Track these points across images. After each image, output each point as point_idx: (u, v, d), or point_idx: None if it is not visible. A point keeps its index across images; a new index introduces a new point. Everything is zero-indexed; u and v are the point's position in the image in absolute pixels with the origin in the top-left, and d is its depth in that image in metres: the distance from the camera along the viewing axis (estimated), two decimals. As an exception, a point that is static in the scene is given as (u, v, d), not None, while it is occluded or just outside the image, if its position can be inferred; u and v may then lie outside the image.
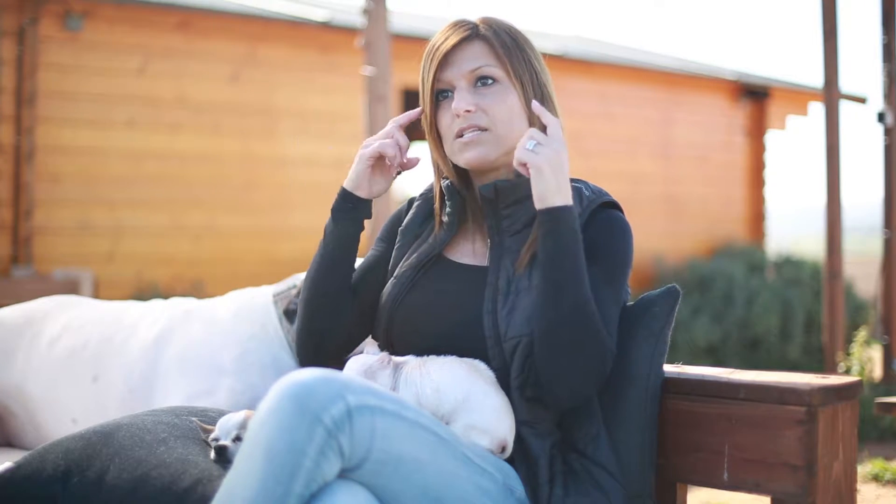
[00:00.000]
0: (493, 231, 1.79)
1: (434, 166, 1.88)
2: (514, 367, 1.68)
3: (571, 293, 1.63)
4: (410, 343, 1.76)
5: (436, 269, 1.82)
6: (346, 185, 1.85)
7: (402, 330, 1.79)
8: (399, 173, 1.88)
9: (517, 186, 1.77)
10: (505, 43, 1.78)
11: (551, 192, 1.65)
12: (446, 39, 1.78)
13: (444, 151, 1.83)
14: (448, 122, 1.79)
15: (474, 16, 1.84)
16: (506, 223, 1.78)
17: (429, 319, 1.76)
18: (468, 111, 1.75)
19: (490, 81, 1.77)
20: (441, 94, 1.80)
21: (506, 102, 1.76)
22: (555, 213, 1.65)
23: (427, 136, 1.85)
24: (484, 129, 1.75)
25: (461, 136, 1.77)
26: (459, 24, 1.80)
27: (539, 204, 1.67)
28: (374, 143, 1.82)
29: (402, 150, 1.83)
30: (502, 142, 1.76)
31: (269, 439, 1.40)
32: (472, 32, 1.79)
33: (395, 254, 1.89)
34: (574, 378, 1.64)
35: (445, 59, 1.78)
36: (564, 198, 1.66)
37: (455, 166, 1.83)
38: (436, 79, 1.78)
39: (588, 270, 1.70)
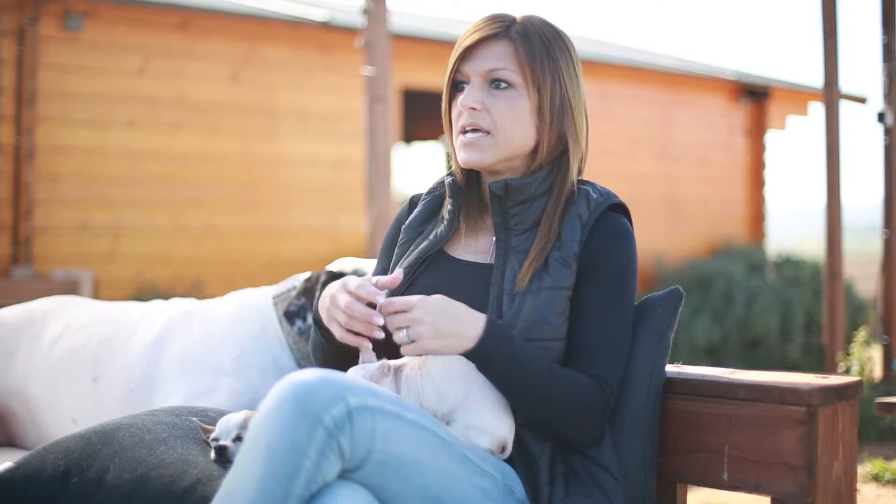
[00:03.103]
0: (500, 228, 1.78)
1: (446, 157, 1.88)
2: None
3: (531, 396, 1.63)
4: None
5: (436, 265, 1.81)
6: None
7: None
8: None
9: (528, 185, 1.76)
10: (532, 49, 1.75)
11: (454, 346, 1.61)
12: (474, 32, 1.77)
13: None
14: (457, 113, 1.79)
15: (517, 12, 1.81)
16: (513, 221, 1.77)
17: None
18: (473, 108, 1.74)
19: (504, 85, 1.75)
20: (458, 86, 1.80)
21: (514, 108, 1.74)
22: (474, 355, 1.62)
23: (444, 125, 1.85)
24: (485, 132, 1.74)
25: (464, 133, 1.77)
26: (494, 19, 1.78)
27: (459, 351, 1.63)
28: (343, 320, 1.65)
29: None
30: (501, 147, 1.75)
31: (270, 439, 1.40)
32: (500, 31, 1.76)
33: (398, 250, 1.88)
34: (574, 439, 1.69)
35: (467, 52, 1.77)
36: (469, 338, 1.60)
37: None
38: (455, 69, 1.78)
39: (594, 296, 1.71)
